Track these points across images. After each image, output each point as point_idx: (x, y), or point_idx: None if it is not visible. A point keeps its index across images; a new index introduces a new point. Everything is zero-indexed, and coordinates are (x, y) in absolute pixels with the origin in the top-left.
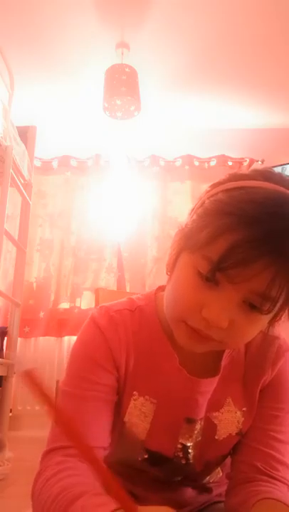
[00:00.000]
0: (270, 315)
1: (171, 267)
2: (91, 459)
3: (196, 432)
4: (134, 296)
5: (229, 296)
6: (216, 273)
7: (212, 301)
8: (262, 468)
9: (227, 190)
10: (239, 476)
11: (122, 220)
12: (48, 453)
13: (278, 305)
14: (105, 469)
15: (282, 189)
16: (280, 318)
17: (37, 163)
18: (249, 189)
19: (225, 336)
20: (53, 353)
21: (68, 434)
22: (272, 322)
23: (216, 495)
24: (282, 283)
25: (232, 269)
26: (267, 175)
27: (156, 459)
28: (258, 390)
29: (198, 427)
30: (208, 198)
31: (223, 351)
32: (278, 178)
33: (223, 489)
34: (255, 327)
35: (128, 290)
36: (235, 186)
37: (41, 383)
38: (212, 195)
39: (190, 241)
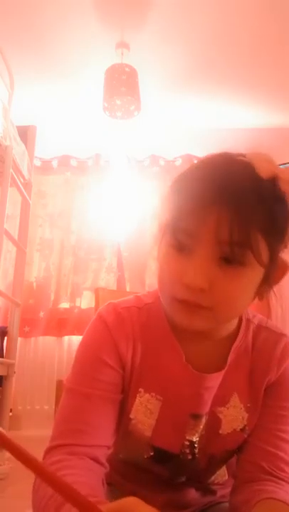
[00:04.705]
0: (254, 271)
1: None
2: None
3: (201, 426)
4: (140, 294)
5: (201, 256)
6: (177, 235)
7: (188, 267)
8: (267, 468)
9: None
10: (244, 475)
11: (122, 220)
12: (50, 450)
13: (244, 251)
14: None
15: (224, 153)
16: (272, 279)
17: (37, 162)
18: (193, 164)
19: (212, 299)
20: (53, 353)
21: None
22: (268, 282)
23: (219, 496)
24: (231, 225)
25: (185, 223)
26: (215, 153)
27: (162, 456)
28: (263, 388)
29: (203, 421)
30: None
31: (230, 347)
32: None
33: (227, 491)
34: (239, 284)
35: (128, 290)
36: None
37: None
38: None
39: (160, 228)
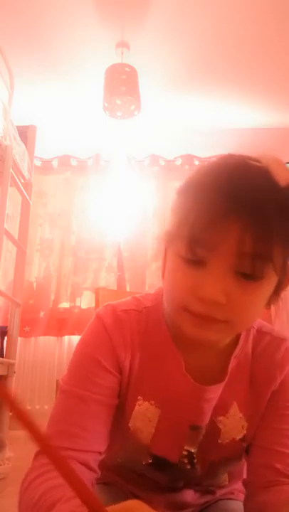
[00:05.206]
0: (270, 283)
1: (163, 269)
2: (58, 464)
3: (201, 437)
4: (139, 295)
5: (217, 269)
6: (194, 248)
7: (203, 279)
8: (282, 469)
9: (185, 180)
10: (259, 480)
11: (122, 219)
12: (39, 454)
13: (264, 266)
14: (76, 476)
15: (237, 157)
16: (284, 287)
17: (37, 162)
18: (204, 167)
19: (228, 313)
20: (53, 353)
21: (38, 441)
22: (277, 292)
23: (218, 495)
24: (254, 237)
25: (204, 235)
26: (225, 156)
27: (160, 463)
28: (267, 397)
29: (203, 432)
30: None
31: (230, 355)
32: (235, 155)
33: (226, 490)
34: (256, 298)
35: (128, 290)
36: (192, 174)
37: (14, 397)
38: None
39: (169, 235)
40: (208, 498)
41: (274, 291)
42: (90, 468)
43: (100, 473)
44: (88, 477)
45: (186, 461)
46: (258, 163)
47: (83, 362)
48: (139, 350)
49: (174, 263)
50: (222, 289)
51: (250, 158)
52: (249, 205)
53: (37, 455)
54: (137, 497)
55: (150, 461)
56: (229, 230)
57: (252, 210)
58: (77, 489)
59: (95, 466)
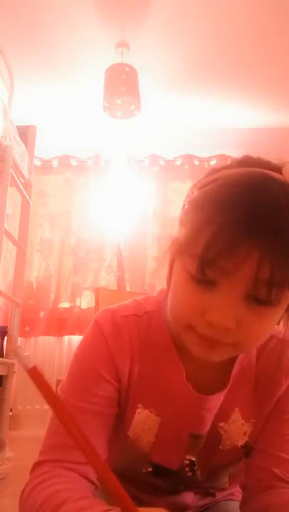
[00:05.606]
0: (284, 305)
1: (169, 278)
2: (93, 459)
3: (201, 445)
4: (140, 298)
5: (228, 293)
6: (205, 270)
7: (212, 303)
8: (280, 475)
9: (201, 186)
10: (257, 483)
11: (122, 219)
12: (38, 464)
13: (282, 292)
14: (108, 469)
15: (256, 169)
16: None
17: (37, 162)
18: (222, 179)
19: (237, 337)
20: (53, 353)
21: (71, 434)
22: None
23: (219, 497)
24: (273, 263)
25: (219, 259)
26: (243, 160)
27: (160, 471)
28: (272, 404)
29: (203, 440)
30: (186, 200)
31: (233, 363)
32: (255, 161)
33: (227, 492)
34: (268, 323)
35: (128, 290)
36: (209, 180)
37: (46, 380)
38: (189, 196)
39: (178, 246)
40: (209, 500)
41: (286, 310)
42: (90, 481)
43: (98, 484)
44: (88, 487)
45: (187, 469)
46: (279, 177)
47: (81, 371)
48: (138, 357)
49: (181, 278)
50: (233, 314)
51: (270, 166)
52: (269, 228)
53: (34, 467)
54: (137, 499)
55: (150, 469)
56: (247, 256)
57: (272, 234)
58: (109, 485)
59: (94, 478)
